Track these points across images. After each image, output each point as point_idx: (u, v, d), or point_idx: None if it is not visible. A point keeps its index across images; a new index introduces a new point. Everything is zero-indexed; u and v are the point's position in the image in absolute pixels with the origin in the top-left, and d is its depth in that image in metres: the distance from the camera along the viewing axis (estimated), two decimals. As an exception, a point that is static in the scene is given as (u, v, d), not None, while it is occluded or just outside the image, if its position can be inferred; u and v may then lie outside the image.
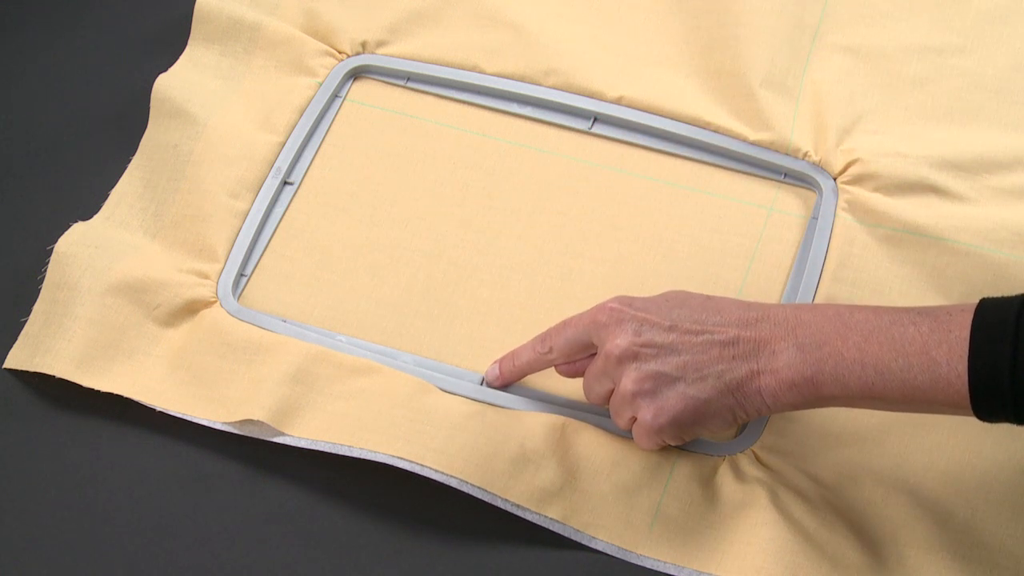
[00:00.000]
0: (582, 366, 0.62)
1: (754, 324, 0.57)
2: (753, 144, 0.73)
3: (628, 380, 0.58)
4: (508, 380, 0.66)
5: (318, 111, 0.77)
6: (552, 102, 0.76)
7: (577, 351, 0.62)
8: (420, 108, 0.78)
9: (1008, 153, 0.71)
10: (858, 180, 0.71)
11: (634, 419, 0.59)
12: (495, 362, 0.66)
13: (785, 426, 0.63)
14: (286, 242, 0.73)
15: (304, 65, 0.78)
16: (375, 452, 0.61)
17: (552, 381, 0.67)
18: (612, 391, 0.60)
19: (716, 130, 0.74)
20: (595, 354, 0.61)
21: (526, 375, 0.65)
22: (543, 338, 0.63)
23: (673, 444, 0.60)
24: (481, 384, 0.67)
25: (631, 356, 0.58)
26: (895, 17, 0.78)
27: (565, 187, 0.74)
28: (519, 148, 0.75)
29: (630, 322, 0.58)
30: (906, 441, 0.63)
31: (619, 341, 0.58)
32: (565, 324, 0.62)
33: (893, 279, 0.67)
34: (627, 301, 0.60)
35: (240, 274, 0.71)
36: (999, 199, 0.70)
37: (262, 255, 0.72)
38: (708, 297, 0.60)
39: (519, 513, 0.61)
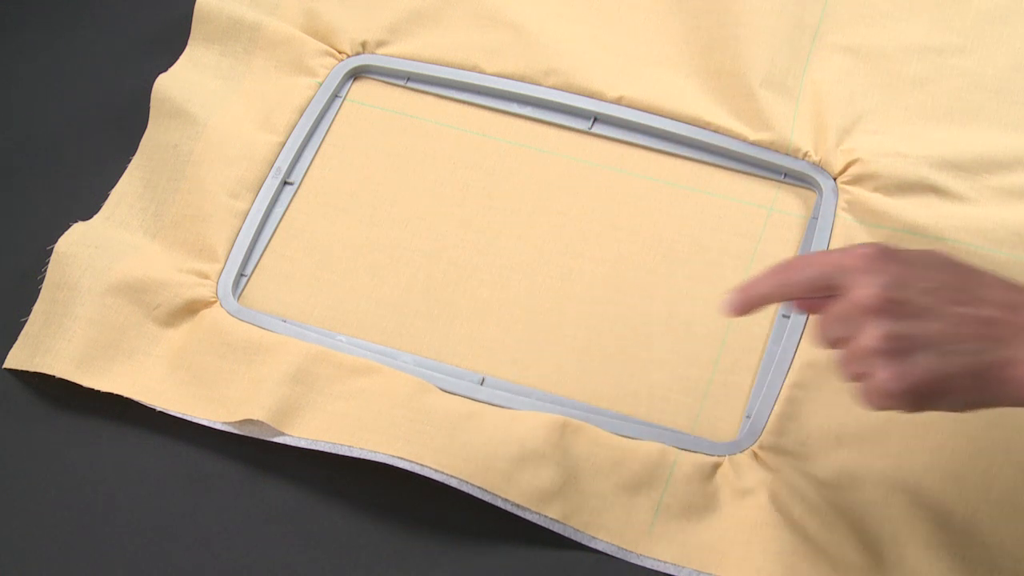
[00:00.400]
0: (820, 304, 0.56)
1: (1020, 308, 0.52)
2: (753, 144, 0.73)
3: (871, 336, 0.52)
4: (742, 311, 0.59)
5: (318, 111, 0.77)
6: (552, 102, 0.76)
7: (815, 291, 0.55)
8: (420, 108, 0.78)
9: (1008, 153, 0.71)
10: (858, 180, 0.71)
11: (862, 375, 0.53)
12: (731, 291, 0.59)
13: (785, 426, 0.63)
14: (286, 242, 0.73)
15: (304, 65, 0.78)
16: (375, 452, 0.61)
17: (552, 381, 0.67)
18: (846, 340, 0.54)
19: (716, 130, 0.74)
20: (834, 296, 0.55)
21: (761, 307, 0.59)
22: (782, 270, 0.57)
23: (898, 411, 0.53)
24: (482, 384, 0.67)
25: (880, 310, 0.52)
26: (895, 17, 0.78)
27: (565, 187, 0.74)
28: (519, 148, 0.75)
29: (885, 273, 0.53)
30: (906, 441, 0.63)
31: (870, 291, 0.52)
32: (807, 261, 0.56)
33: (893, 279, 0.67)
34: (885, 250, 0.54)
35: (240, 274, 0.71)
36: (999, 199, 0.70)
37: (262, 255, 0.72)
38: (972, 268, 0.54)
39: (519, 513, 0.61)
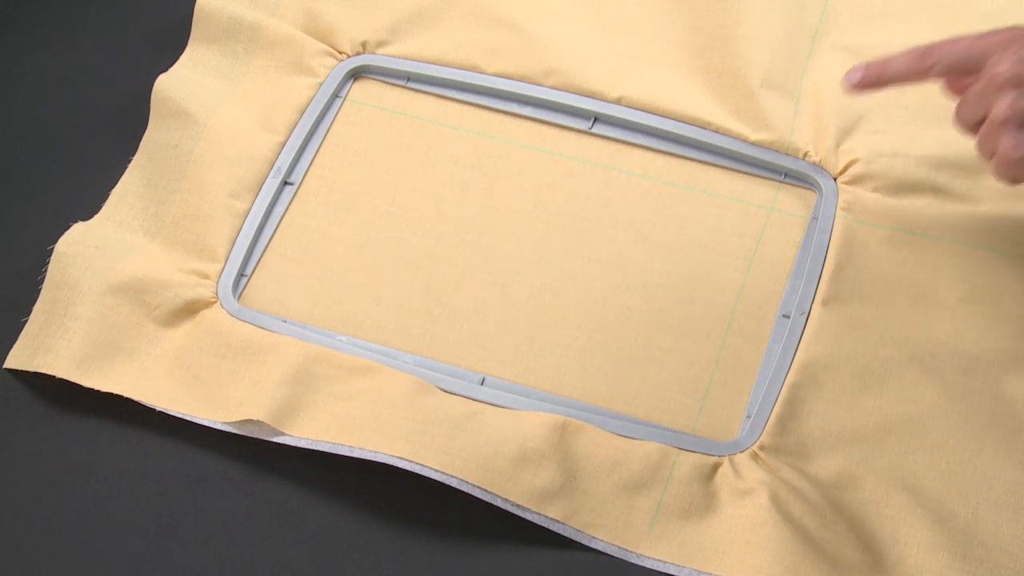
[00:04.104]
0: (967, 84, 0.59)
1: None
2: (753, 144, 0.73)
3: (1001, 106, 0.56)
4: (870, 85, 0.62)
5: (318, 111, 0.77)
6: (552, 102, 0.76)
7: (960, 70, 0.59)
8: (420, 108, 0.78)
9: (1008, 153, 0.71)
10: (858, 180, 0.71)
11: (993, 148, 0.57)
12: (859, 66, 0.63)
13: (785, 426, 0.63)
14: (286, 242, 0.73)
15: (304, 65, 0.78)
16: (375, 452, 0.61)
17: (552, 381, 0.67)
18: (983, 120, 0.57)
19: (716, 130, 0.74)
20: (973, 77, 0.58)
21: (893, 85, 0.62)
22: (925, 52, 0.60)
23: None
24: (482, 384, 0.67)
25: (1013, 83, 0.55)
26: (895, 17, 0.78)
27: (565, 187, 0.74)
28: (519, 148, 0.76)
29: (1021, 50, 0.56)
30: (906, 441, 0.63)
31: (1004, 66, 0.56)
32: (955, 42, 0.59)
33: (893, 279, 0.67)
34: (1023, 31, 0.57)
35: (240, 274, 0.71)
36: (999, 199, 0.70)
37: (262, 255, 0.72)
38: None
39: (519, 513, 0.61)
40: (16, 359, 0.67)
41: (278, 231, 0.73)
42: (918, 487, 0.61)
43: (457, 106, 0.77)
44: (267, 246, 0.72)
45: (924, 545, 0.60)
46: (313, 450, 0.63)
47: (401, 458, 0.61)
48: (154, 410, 0.65)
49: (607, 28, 0.80)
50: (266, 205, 0.73)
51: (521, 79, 0.77)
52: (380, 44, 0.79)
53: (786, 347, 0.66)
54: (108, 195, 0.73)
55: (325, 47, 0.79)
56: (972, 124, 0.59)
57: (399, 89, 0.79)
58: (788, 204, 0.72)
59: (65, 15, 0.83)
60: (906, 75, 0.61)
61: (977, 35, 0.59)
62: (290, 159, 0.75)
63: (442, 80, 0.78)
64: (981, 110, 0.57)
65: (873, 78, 0.62)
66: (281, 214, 0.74)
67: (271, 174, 0.74)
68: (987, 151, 0.57)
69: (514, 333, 0.69)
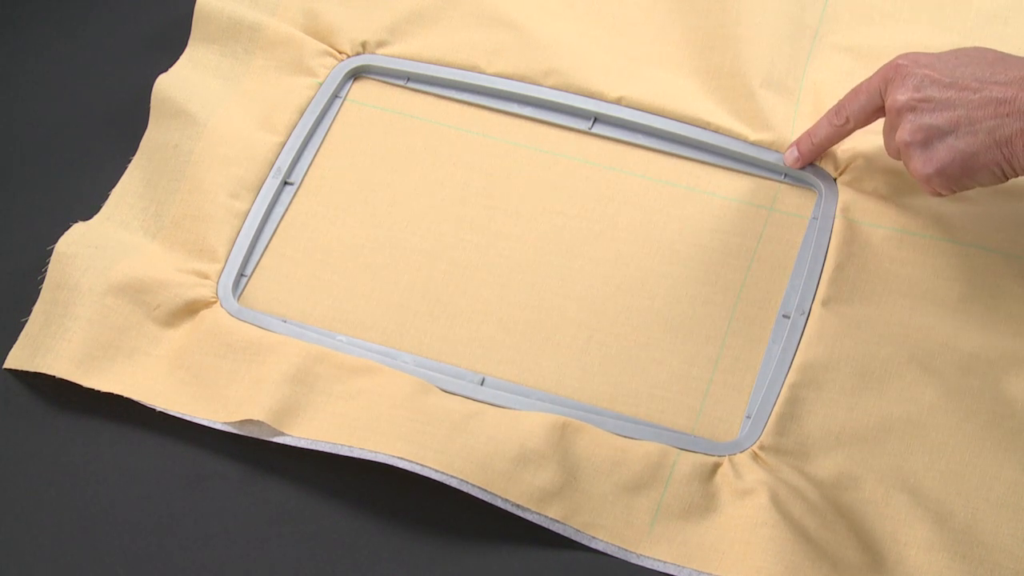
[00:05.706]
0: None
1: None
2: (753, 144, 0.73)
3: (903, 131, 0.61)
4: (808, 158, 0.70)
5: (318, 111, 0.77)
6: (552, 102, 0.76)
7: (871, 115, 0.66)
8: (420, 108, 0.78)
9: (1008, 153, 0.71)
10: (858, 180, 0.71)
11: (907, 166, 0.63)
12: (792, 144, 0.70)
13: (785, 426, 0.63)
14: (286, 242, 0.73)
15: (304, 65, 0.78)
16: (375, 452, 0.61)
17: (552, 381, 0.67)
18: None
19: (716, 130, 0.74)
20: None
21: (825, 150, 0.70)
22: (837, 110, 0.67)
23: (944, 193, 0.63)
24: (482, 384, 0.67)
25: (909, 108, 0.61)
26: (895, 17, 0.78)
27: (565, 187, 0.74)
28: (519, 148, 0.76)
29: (912, 77, 0.62)
30: (906, 441, 0.63)
31: (899, 96, 0.62)
32: (856, 91, 0.66)
33: (893, 279, 0.67)
34: (914, 57, 0.63)
35: (240, 274, 0.71)
36: (999, 199, 0.70)
37: (262, 255, 0.72)
38: (1002, 56, 0.61)
39: (519, 513, 0.61)
40: (16, 359, 0.67)
41: (278, 231, 0.73)
42: (918, 487, 0.61)
43: (457, 106, 0.77)
44: (267, 246, 0.72)
45: (924, 545, 0.60)
46: (313, 450, 0.63)
47: (401, 458, 0.61)
48: (154, 410, 0.65)
49: (607, 28, 0.80)
50: (266, 205, 0.73)
51: (521, 79, 0.77)
52: (380, 44, 0.79)
53: (786, 347, 0.66)
54: (108, 195, 0.73)
55: (325, 47, 0.79)
56: (896, 154, 0.64)
57: (399, 89, 0.79)
58: (788, 204, 0.72)
59: (65, 15, 0.83)
60: (831, 137, 0.68)
61: (872, 76, 0.64)
62: (290, 159, 0.75)
63: (442, 80, 0.78)
64: (895, 140, 0.63)
65: (807, 151, 0.70)
66: (281, 214, 0.74)
67: (271, 174, 0.74)
68: (911, 172, 0.63)
69: (514, 333, 0.69)
